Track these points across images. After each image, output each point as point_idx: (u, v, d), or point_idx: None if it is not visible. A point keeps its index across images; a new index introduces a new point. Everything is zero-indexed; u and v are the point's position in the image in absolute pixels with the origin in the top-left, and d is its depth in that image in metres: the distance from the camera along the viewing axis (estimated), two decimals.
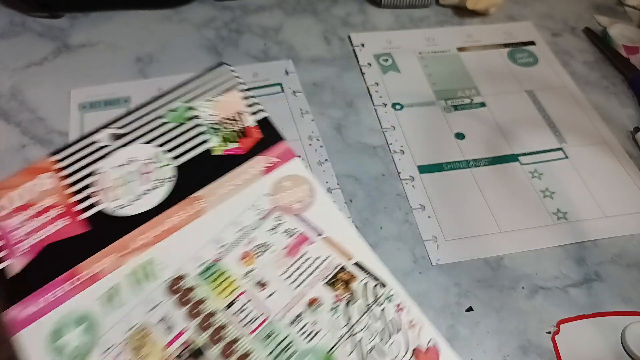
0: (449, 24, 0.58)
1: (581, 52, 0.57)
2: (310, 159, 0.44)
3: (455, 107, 0.50)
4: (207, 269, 0.27)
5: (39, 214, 0.28)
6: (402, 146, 0.46)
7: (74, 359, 0.23)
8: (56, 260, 0.26)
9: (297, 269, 0.27)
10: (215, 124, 0.33)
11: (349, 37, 0.55)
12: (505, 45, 0.56)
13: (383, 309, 0.27)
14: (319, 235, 0.29)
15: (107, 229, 0.28)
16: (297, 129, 0.46)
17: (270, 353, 0.24)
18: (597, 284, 0.39)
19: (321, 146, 0.45)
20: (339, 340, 0.25)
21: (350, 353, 0.25)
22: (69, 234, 0.27)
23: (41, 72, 0.49)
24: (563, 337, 0.36)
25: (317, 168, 0.44)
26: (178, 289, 0.26)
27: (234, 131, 0.33)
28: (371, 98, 0.50)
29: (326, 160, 0.44)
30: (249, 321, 0.25)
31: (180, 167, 0.31)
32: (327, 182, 0.43)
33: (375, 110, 0.49)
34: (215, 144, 0.32)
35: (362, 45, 0.55)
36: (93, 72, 0.49)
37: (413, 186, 0.43)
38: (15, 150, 0.43)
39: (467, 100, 0.50)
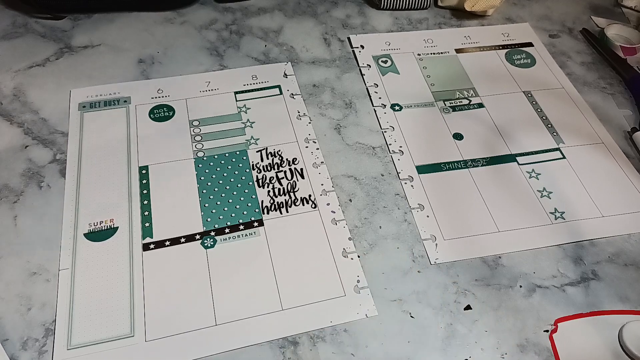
0: (447, 25, 0.59)
1: (579, 53, 0.58)
2: (306, 161, 0.44)
3: (454, 108, 0.50)
4: None
5: None
6: (401, 146, 0.46)
7: None
8: None
9: None
10: None
11: (349, 39, 0.56)
12: (503, 47, 0.57)
13: None
14: None
15: None
16: (294, 131, 0.47)
17: None
18: (594, 283, 0.39)
19: (317, 149, 0.45)
20: None
21: None
22: None
23: (44, 73, 0.49)
24: (561, 335, 0.36)
25: (312, 170, 0.44)
26: None
27: None
28: (370, 99, 0.50)
29: (322, 162, 0.45)
30: None
31: None
32: (322, 185, 0.43)
33: (375, 111, 0.49)
34: None
35: (362, 46, 0.55)
36: (95, 73, 0.50)
37: (412, 186, 0.44)
38: (17, 150, 0.44)
39: (465, 101, 0.51)
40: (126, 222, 0.39)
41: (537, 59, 0.56)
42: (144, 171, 0.43)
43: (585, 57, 0.57)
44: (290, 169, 0.44)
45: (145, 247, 0.38)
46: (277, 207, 0.41)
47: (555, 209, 0.43)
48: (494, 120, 0.49)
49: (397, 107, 0.50)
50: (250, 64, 0.52)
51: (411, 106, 0.50)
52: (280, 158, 0.45)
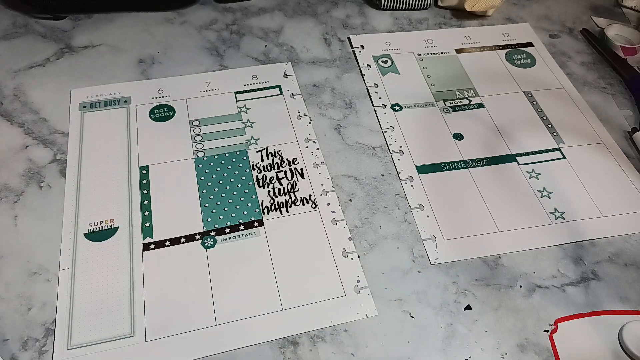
0: (448, 25, 0.59)
1: (579, 53, 0.58)
2: (306, 161, 0.44)
3: (454, 108, 0.50)
4: None
5: None
6: (401, 146, 0.46)
7: None
8: None
9: None
10: None
11: (349, 39, 0.56)
12: (503, 47, 0.57)
13: None
14: None
15: None
16: (295, 131, 0.47)
17: None
18: (594, 283, 0.39)
19: (317, 149, 0.46)
20: None
21: None
22: None
23: (44, 73, 0.50)
24: (561, 335, 0.36)
25: (312, 170, 0.44)
26: None
27: None
28: (370, 99, 0.50)
29: (322, 162, 0.45)
30: None
31: None
32: (322, 185, 0.43)
33: (375, 111, 0.49)
34: None
35: (362, 46, 0.55)
36: (96, 73, 0.50)
37: (412, 186, 0.44)
38: (18, 150, 0.44)
39: (466, 101, 0.51)
40: (126, 222, 0.39)
41: (537, 59, 0.56)
42: (144, 171, 0.43)
43: (585, 57, 0.57)
44: (290, 169, 0.44)
45: (146, 247, 0.38)
46: (277, 207, 0.41)
47: (555, 209, 0.43)
48: (494, 120, 0.49)
49: (397, 107, 0.50)
50: (250, 64, 0.52)
51: (411, 106, 0.50)
52: (280, 158, 0.45)
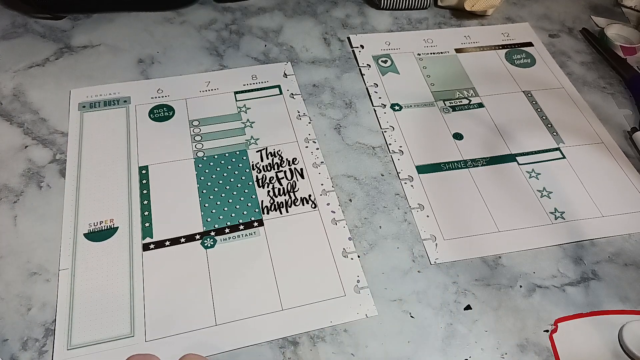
0: (447, 25, 0.59)
1: (578, 53, 0.58)
2: (306, 161, 0.44)
3: (454, 108, 0.50)
4: None
5: None
6: (401, 146, 0.46)
7: None
8: None
9: None
10: None
11: (349, 39, 0.56)
12: (503, 47, 0.57)
13: None
14: None
15: None
16: (294, 131, 0.47)
17: None
18: (594, 282, 0.39)
19: (317, 149, 0.45)
20: None
21: None
22: None
23: (43, 73, 0.49)
24: (561, 335, 0.36)
25: (312, 170, 0.44)
26: None
27: None
28: (370, 99, 0.50)
29: (322, 162, 0.45)
30: None
31: None
32: (322, 185, 0.43)
33: (375, 110, 0.49)
34: None
35: (362, 46, 0.55)
36: (95, 73, 0.50)
37: (412, 186, 0.44)
38: (17, 150, 0.44)
39: (465, 101, 0.51)
40: (126, 222, 0.39)
41: (537, 58, 0.56)
42: (144, 171, 0.43)
43: (585, 57, 0.57)
44: (290, 169, 0.44)
45: (145, 247, 0.38)
46: (277, 207, 0.41)
47: (555, 209, 0.43)
48: (494, 120, 0.49)
49: (397, 107, 0.50)
50: (250, 64, 0.52)
51: (411, 106, 0.50)
52: (280, 158, 0.45)
